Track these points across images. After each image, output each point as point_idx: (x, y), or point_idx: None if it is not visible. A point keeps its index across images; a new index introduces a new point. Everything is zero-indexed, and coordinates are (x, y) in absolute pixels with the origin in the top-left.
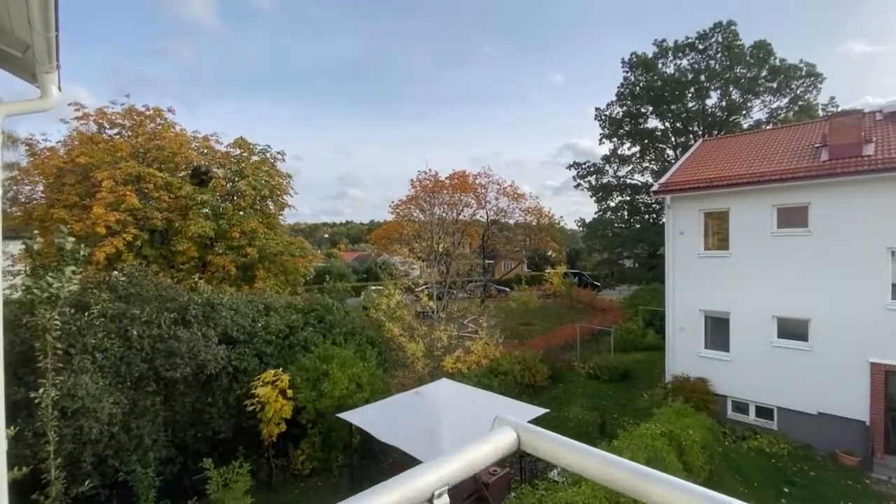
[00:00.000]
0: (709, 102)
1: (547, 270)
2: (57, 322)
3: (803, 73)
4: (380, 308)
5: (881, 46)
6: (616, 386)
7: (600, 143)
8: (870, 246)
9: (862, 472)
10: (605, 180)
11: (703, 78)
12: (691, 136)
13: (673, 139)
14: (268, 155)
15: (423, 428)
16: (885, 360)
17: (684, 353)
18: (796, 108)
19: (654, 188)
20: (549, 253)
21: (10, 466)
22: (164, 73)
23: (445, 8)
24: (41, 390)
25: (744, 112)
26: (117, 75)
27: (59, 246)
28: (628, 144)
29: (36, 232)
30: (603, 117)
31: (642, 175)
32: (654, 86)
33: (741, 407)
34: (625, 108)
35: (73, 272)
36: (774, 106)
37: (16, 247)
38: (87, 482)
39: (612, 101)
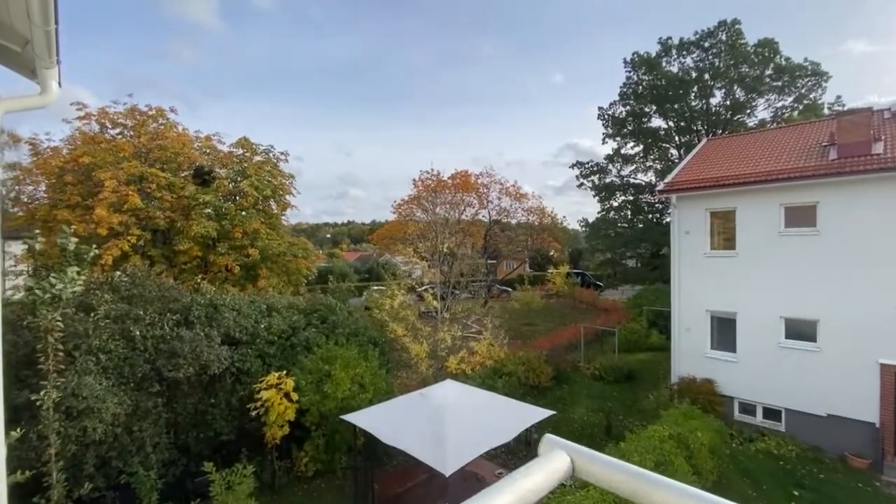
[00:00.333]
0: (713, 101)
1: (549, 270)
2: (59, 323)
3: (808, 71)
4: (383, 308)
5: (882, 46)
6: (621, 387)
7: (603, 143)
8: (879, 245)
9: (872, 475)
10: (608, 180)
11: (707, 77)
12: (695, 135)
13: (677, 138)
14: (271, 155)
15: (429, 430)
16: (895, 362)
17: (690, 354)
18: (801, 108)
19: (660, 187)
20: (552, 253)
21: (12, 470)
22: (166, 73)
23: (445, 8)
24: (42, 392)
25: (748, 111)
26: (119, 76)
27: (62, 246)
28: (631, 144)
29: (37, 232)
30: (606, 117)
31: (646, 174)
32: (658, 85)
33: (748, 408)
34: (628, 107)
35: (77, 273)
36: (779, 105)
37: (19, 247)
38: (87, 485)
39: (614, 101)
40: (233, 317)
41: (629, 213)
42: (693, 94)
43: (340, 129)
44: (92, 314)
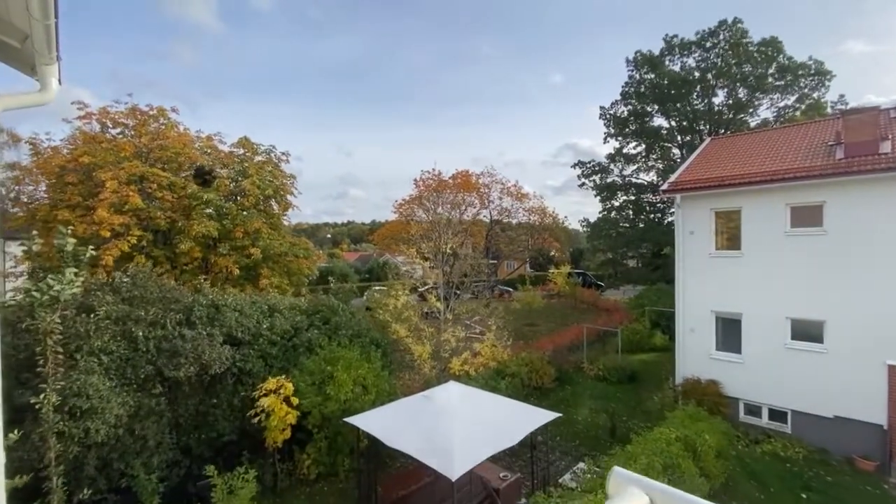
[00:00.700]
0: (715, 101)
1: (550, 270)
2: (58, 326)
3: (812, 70)
4: (386, 309)
5: (882, 46)
6: (624, 388)
7: (605, 142)
8: (887, 245)
9: (880, 477)
10: (609, 179)
11: (709, 76)
12: (697, 134)
13: (679, 138)
14: (272, 155)
15: (434, 433)
16: None
17: (695, 355)
18: (804, 107)
19: (664, 187)
20: (553, 253)
21: (11, 475)
22: (166, 75)
23: (445, 8)
24: (42, 395)
25: (751, 111)
26: (119, 78)
27: (59, 247)
28: (633, 143)
29: (35, 233)
30: (608, 116)
31: (647, 174)
32: (660, 84)
33: (753, 410)
34: (630, 106)
35: (76, 274)
36: (782, 104)
37: (20, 248)
38: (86, 489)
39: (616, 100)
40: (235, 317)
41: (631, 212)
42: (695, 94)
43: (340, 129)
44: (92, 315)
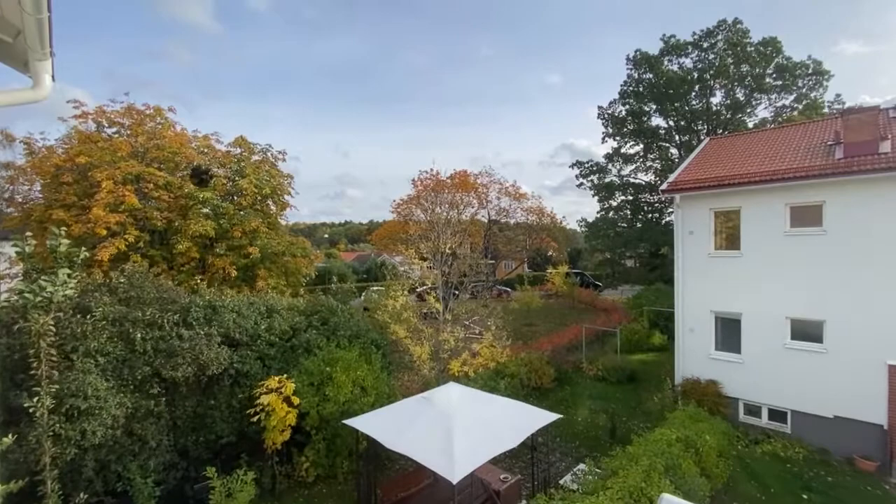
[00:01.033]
0: (713, 100)
1: (548, 270)
2: (51, 328)
3: (810, 70)
4: (385, 310)
5: (876, 47)
6: (623, 388)
7: (603, 142)
8: (886, 245)
9: (880, 477)
10: (608, 179)
11: (707, 76)
12: (695, 134)
13: (677, 138)
14: (269, 154)
15: (434, 435)
16: None
17: (694, 355)
18: (801, 107)
19: (664, 187)
20: (550, 253)
21: (6, 479)
22: (162, 75)
23: (442, 9)
24: (35, 399)
25: (748, 110)
26: (115, 78)
27: (52, 248)
28: (631, 143)
29: (28, 234)
30: (606, 116)
31: (646, 174)
32: (658, 84)
33: (753, 410)
34: (628, 106)
35: (69, 275)
36: (780, 104)
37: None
38: (82, 494)
39: (614, 100)
40: (232, 318)
41: (629, 212)
42: (694, 94)
43: (338, 129)
44: (89, 316)
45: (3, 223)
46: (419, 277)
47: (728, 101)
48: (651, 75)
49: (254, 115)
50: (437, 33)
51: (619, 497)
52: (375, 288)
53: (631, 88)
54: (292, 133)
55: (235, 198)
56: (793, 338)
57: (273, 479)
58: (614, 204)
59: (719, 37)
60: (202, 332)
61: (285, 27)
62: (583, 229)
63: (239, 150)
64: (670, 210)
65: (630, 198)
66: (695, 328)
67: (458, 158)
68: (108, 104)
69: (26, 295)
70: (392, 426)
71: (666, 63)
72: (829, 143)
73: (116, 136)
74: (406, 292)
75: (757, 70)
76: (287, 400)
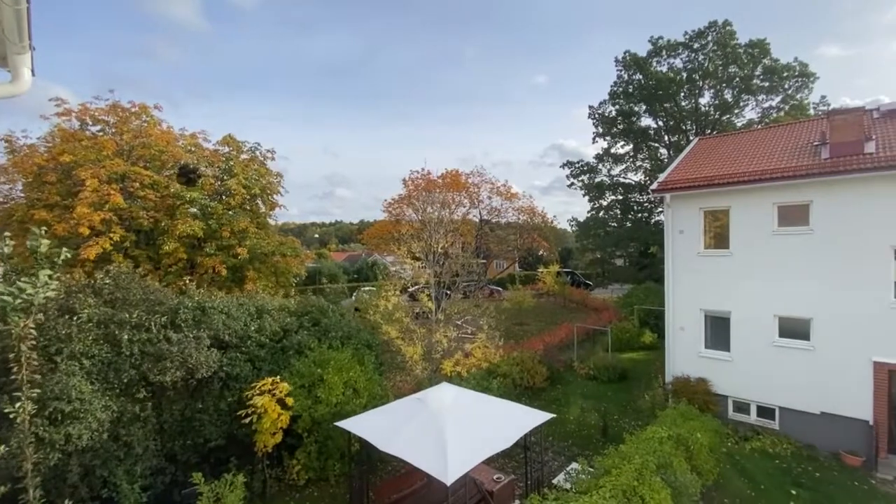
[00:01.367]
0: (702, 101)
1: (540, 270)
2: (32, 331)
3: (796, 72)
4: (377, 310)
5: (854, 50)
6: (615, 386)
7: (593, 142)
8: (872, 244)
9: (866, 472)
10: (598, 179)
11: (696, 77)
12: (683, 134)
13: (666, 138)
14: (257, 153)
15: (427, 436)
16: (888, 360)
17: (684, 354)
18: (787, 108)
19: (654, 186)
20: (541, 252)
21: None
22: (148, 73)
23: (431, 9)
24: (17, 405)
25: (736, 111)
26: (99, 75)
27: (32, 249)
28: (621, 143)
29: (7, 234)
30: (596, 116)
31: (635, 174)
32: (648, 84)
33: (742, 407)
34: (618, 106)
35: (50, 276)
36: (766, 105)
37: None
38: (66, 501)
39: (604, 100)
40: (221, 319)
41: (619, 212)
42: (682, 94)
43: (327, 129)
44: (75, 318)
45: None
46: (411, 277)
47: (716, 102)
48: (640, 76)
49: (240, 114)
50: (426, 33)
51: (611, 496)
52: (367, 288)
53: (621, 89)
54: (280, 132)
55: (224, 197)
56: (781, 335)
57: (263, 482)
58: (604, 203)
59: (710, 38)
60: (191, 335)
61: (273, 26)
62: (573, 229)
63: (227, 149)
64: (660, 209)
65: (620, 197)
66: (685, 326)
67: (448, 158)
68: (92, 101)
69: (5, 298)
70: (385, 428)
71: (654, 64)
72: (816, 143)
73: (101, 134)
74: (398, 292)
75: (745, 71)
76: (281, 402)
